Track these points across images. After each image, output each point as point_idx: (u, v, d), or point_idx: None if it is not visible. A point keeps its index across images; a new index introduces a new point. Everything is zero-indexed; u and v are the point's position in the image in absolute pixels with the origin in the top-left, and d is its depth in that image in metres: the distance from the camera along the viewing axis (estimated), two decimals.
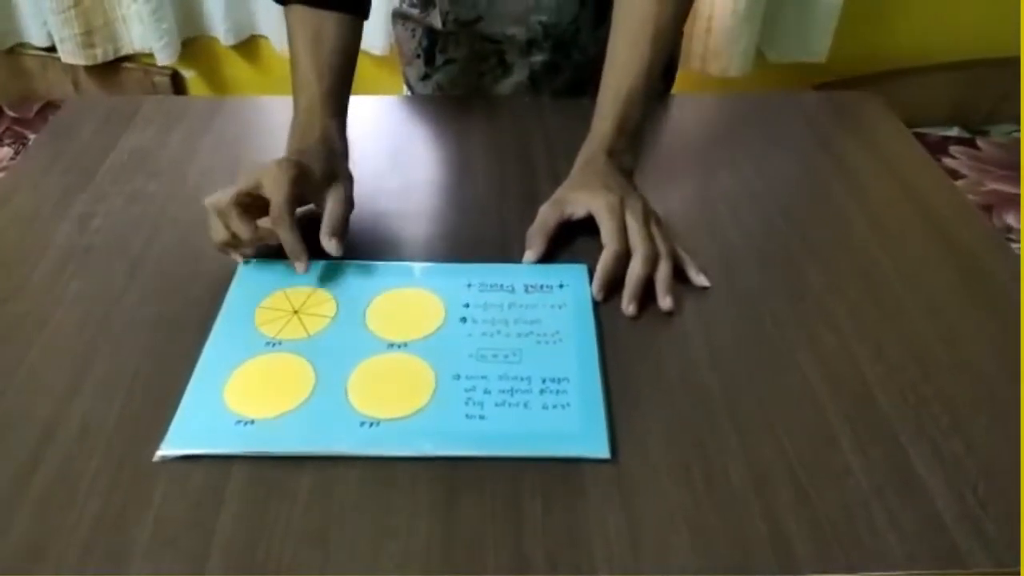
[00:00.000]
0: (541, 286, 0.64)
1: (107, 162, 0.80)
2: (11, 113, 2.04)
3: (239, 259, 0.66)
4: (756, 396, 0.57)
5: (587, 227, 0.69)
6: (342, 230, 0.64)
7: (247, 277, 0.65)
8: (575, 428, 0.53)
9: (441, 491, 0.50)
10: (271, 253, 0.66)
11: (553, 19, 0.89)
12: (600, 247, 0.65)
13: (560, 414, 0.54)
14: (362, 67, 0.79)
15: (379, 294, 0.63)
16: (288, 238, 0.61)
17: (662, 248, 0.65)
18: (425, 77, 0.98)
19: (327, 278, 0.65)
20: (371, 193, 0.76)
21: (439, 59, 0.95)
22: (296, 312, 0.61)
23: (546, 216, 0.68)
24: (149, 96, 0.93)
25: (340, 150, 0.71)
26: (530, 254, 0.67)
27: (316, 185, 0.65)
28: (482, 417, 0.54)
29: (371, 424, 0.53)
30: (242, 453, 0.51)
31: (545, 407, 0.55)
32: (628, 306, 0.62)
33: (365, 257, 0.67)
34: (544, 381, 0.57)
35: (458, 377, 0.57)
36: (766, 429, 0.54)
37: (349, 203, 0.67)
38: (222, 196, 0.61)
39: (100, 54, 1.89)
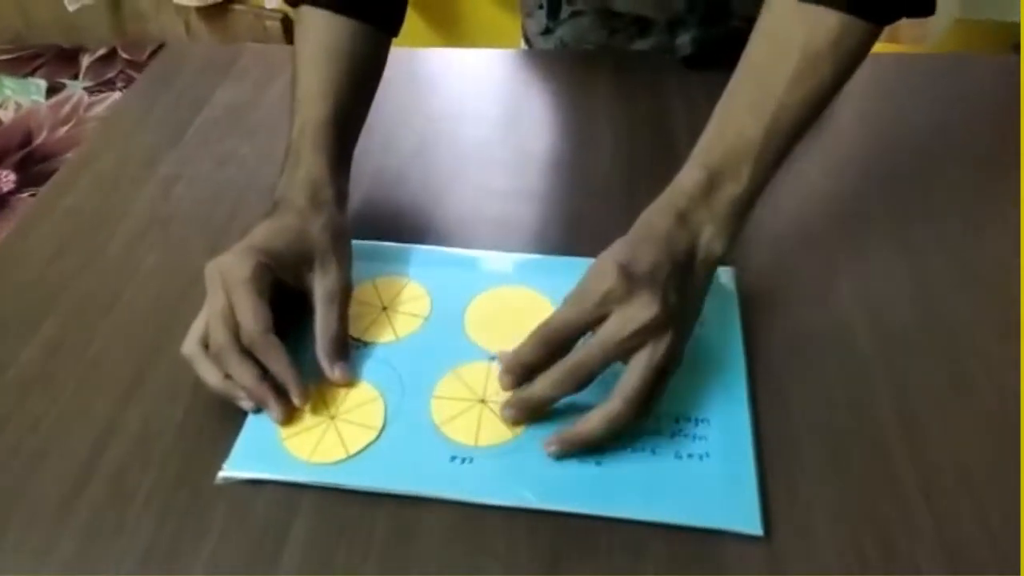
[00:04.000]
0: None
1: (199, 118, 0.74)
2: (124, 55, 2.05)
3: (247, 407, 0.47)
4: (954, 456, 0.44)
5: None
6: (343, 344, 0.49)
7: None
8: (716, 489, 0.42)
9: (543, 549, 0.41)
10: (362, 234, 0.57)
11: None
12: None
13: (697, 467, 0.43)
14: (478, 8, 0.67)
15: (481, 292, 0.54)
16: (279, 369, 0.46)
17: (615, 396, 0.42)
18: (547, 31, 0.85)
19: (422, 268, 0.55)
20: (477, 165, 0.67)
21: (565, 11, 0.83)
22: (385, 308, 0.53)
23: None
24: (249, 44, 0.85)
25: (328, 198, 0.52)
26: (501, 377, 0.45)
27: (293, 272, 0.49)
28: (598, 463, 0.44)
29: (463, 460, 0.44)
30: (312, 483, 0.44)
31: (678, 456, 0.44)
32: (550, 447, 0.44)
33: (466, 243, 0.58)
34: (677, 421, 0.46)
35: (570, 406, 0.46)
36: (967, 500, 0.41)
37: (345, 292, 0.50)
38: (207, 336, 0.47)
39: None
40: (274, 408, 0.46)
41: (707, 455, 0.44)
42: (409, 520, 0.42)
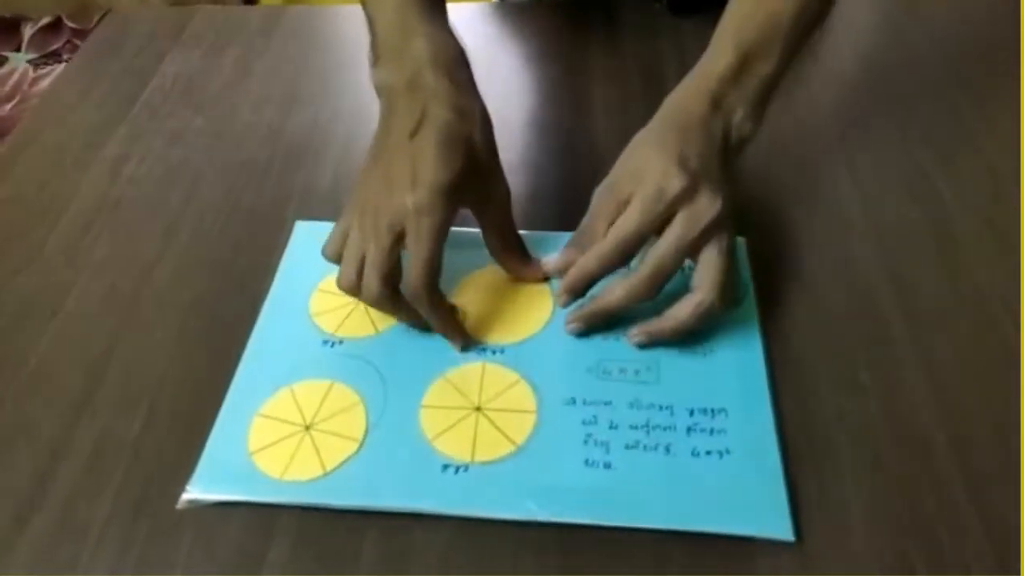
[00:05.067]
0: (683, 269, 0.46)
1: (147, 90, 0.67)
2: (70, 24, 1.92)
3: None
4: (998, 441, 0.40)
5: (741, 188, 0.52)
6: (525, 251, 0.47)
7: (302, 247, 0.51)
8: (740, 490, 0.38)
9: (552, 567, 0.37)
10: (330, 214, 0.52)
11: None
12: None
13: (717, 466, 0.39)
14: None
15: (467, 276, 0.48)
16: (438, 315, 0.43)
17: (700, 289, 0.42)
18: None
19: None
20: None
21: None
22: None
23: (597, 208, 0.43)
24: (201, 6, 0.77)
25: (465, 70, 0.46)
26: (561, 293, 0.44)
27: (483, 171, 0.44)
28: (607, 465, 0.39)
29: (456, 469, 0.39)
30: (289, 503, 0.39)
31: (695, 453, 0.39)
32: (634, 337, 0.44)
33: None
34: (692, 413, 0.41)
35: (572, 402, 0.42)
36: (1015, 491, 0.37)
37: (509, 198, 0.46)
38: (374, 280, 0.42)
39: None
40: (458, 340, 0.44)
41: (727, 451, 0.39)
42: (400, 540, 0.38)
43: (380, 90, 0.45)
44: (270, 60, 0.70)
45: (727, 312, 0.43)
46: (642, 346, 0.44)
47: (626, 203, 0.42)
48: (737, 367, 0.43)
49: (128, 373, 0.45)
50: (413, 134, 0.42)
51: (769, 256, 0.49)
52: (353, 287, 0.43)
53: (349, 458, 0.40)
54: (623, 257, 0.42)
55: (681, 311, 0.42)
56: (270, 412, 0.42)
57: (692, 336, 0.43)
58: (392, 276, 0.42)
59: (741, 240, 0.49)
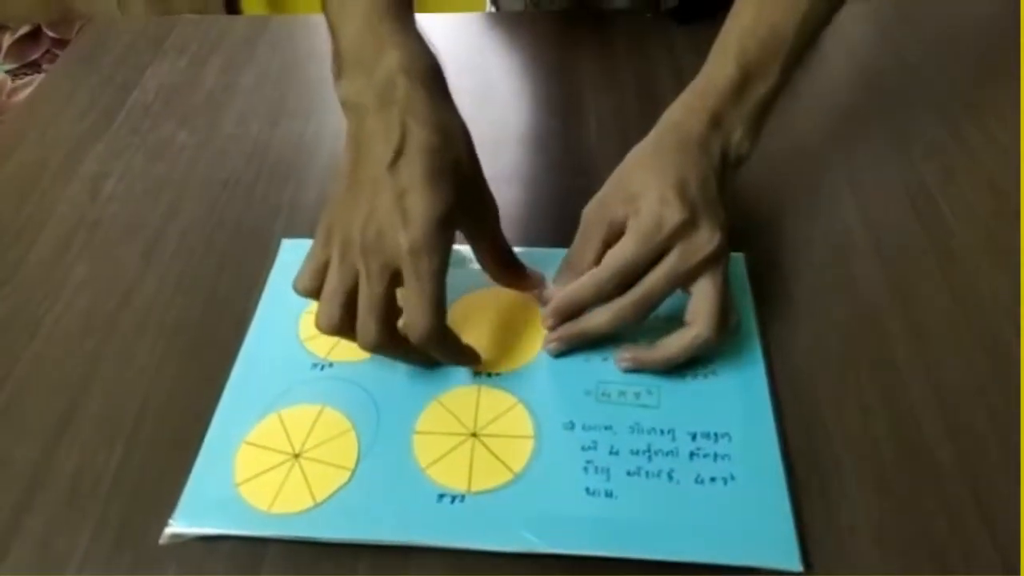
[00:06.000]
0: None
1: (128, 103, 0.65)
2: (50, 33, 1.88)
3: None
4: (1009, 460, 0.39)
5: (740, 201, 0.51)
6: (519, 263, 0.45)
7: (289, 266, 0.48)
8: (746, 519, 0.37)
9: None
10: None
11: None
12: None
13: (722, 493, 0.38)
14: None
15: (460, 297, 0.47)
16: (450, 352, 0.41)
17: (696, 323, 0.41)
18: None
19: None
20: None
21: None
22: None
23: (588, 228, 0.42)
24: (184, 16, 0.76)
25: (440, 78, 0.42)
26: (548, 316, 0.43)
27: (472, 192, 0.41)
28: (608, 494, 0.38)
29: (452, 499, 0.38)
30: (276, 537, 0.37)
31: (699, 480, 0.38)
32: (622, 362, 0.43)
33: None
34: (695, 437, 0.40)
35: (571, 427, 0.40)
36: None
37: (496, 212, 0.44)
38: (375, 331, 0.39)
39: None
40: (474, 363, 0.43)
41: (732, 477, 0.38)
42: (393, 574, 0.36)
43: (347, 106, 0.41)
44: (255, 71, 0.68)
45: (723, 340, 0.42)
46: (628, 372, 0.43)
47: (620, 224, 0.41)
48: (740, 389, 0.42)
49: (108, 399, 0.44)
50: (393, 162, 0.38)
51: (770, 275, 0.48)
52: (336, 327, 0.39)
53: (340, 488, 0.38)
54: (618, 288, 0.41)
55: (674, 344, 0.41)
56: (257, 440, 0.40)
57: (693, 358, 0.42)
58: (392, 319, 0.39)
59: (739, 255, 0.48)
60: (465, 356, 0.42)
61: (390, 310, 0.39)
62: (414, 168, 0.38)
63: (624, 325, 0.41)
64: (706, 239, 0.40)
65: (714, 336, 0.40)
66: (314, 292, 0.40)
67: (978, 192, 0.53)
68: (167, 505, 0.38)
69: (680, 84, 0.48)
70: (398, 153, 0.38)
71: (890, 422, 0.41)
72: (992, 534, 0.36)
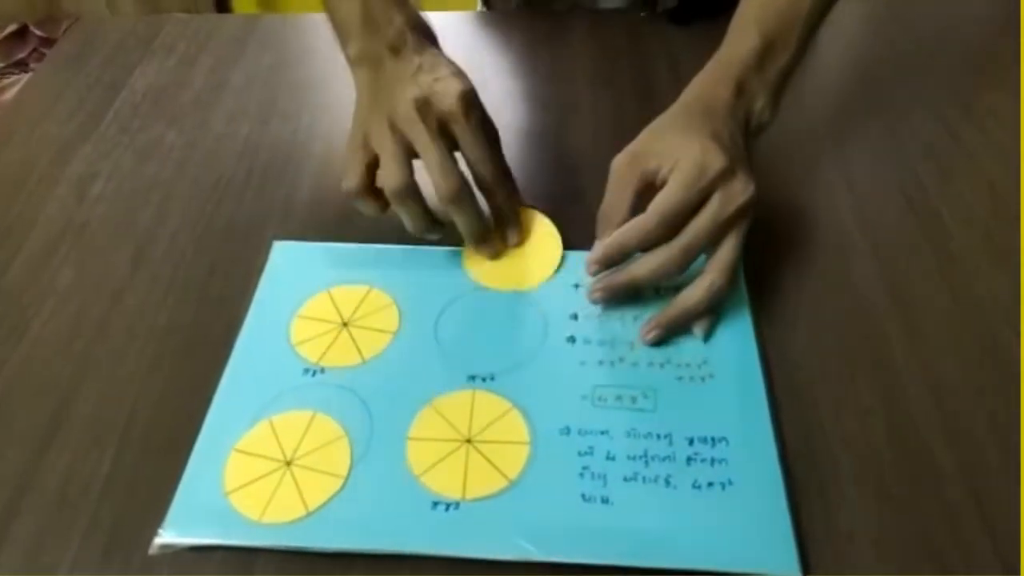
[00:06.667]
0: (678, 287, 0.45)
1: (116, 104, 0.64)
2: (38, 32, 1.85)
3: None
4: (1008, 464, 0.38)
5: None
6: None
7: (280, 269, 0.49)
8: (744, 525, 0.36)
9: None
10: (313, 234, 0.50)
11: None
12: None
13: (719, 499, 0.37)
14: None
15: (453, 304, 0.46)
16: (471, 216, 0.46)
17: (712, 270, 0.42)
18: None
19: (385, 272, 0.48)
20: None
21: None
22: (346, 324, 0.45)
23: (621, 179, 0.43)
24: (173, 15, 0.75)
25: (438, 44, 0.49)
26: (593, 262, 0.43)
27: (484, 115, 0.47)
28: (605, 500, 0.37)
29: (447, 507, 0.37)
30: (268, 547, 0.37)
31: (697, 485, 0.38)
32: (649, 334, 0.43)
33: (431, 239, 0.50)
34: (692, 442, 0.39)
35: (567, 432, 0.40)
36: None
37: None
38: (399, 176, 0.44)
39: None
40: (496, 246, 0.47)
41: (729, 482, 0.38)
42: None
43: (362, 60, 0.46)
44: (245, 70, 0.67)
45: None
46: (657, 342, 0.43)
47: (652, 175, 0.42)
48: (737, 393, 0.41)
49: (97, 405, 0.43)
50: (416, 71, 0.44)
51: (768, 277, 0.48)
52: (403, 185, 0.43)
53: (333, 496, 0.37)
54: (667, 233, 0.41)
55: (694, 294, 0.42)
56: (248, 447, 0.40)
57: (689, 361, 0.42)
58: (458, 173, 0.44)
59: None
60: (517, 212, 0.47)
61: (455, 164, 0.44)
62: (438, 62, 0.45)
63: (668, 274, 0.42)
64: (743, 186, 0.41)
65: (726, 283, 0.42)
66: (364, 188, 0.45)
67: (976, 193, 0.53)
68: (157, 511, 0.38)
69: (676, 83, 0.47)
70: (418, 68, 0.44)
71: (888, 424, 0.40)
72: (991, 536, 0.36)
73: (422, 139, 0.43)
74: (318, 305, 0.46)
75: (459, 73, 0.45)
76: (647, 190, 0.42)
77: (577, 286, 0.46)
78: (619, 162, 0.44)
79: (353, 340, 0.44)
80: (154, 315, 0.47)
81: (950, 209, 0.52)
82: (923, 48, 0.67)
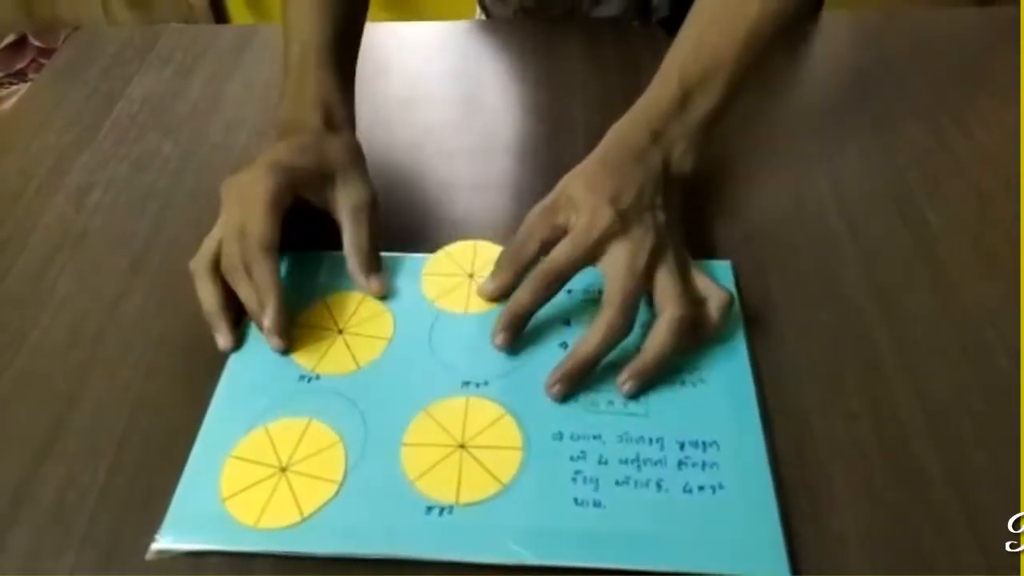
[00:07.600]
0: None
1: (113, 114, 0.65)
2: (36, 43, 1.87)
3: (222, 343, 0.45)
4: (995, 467, 0.39)
5: (727, 210, 0.51)
6: (375, 257, 0.48)
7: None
8: (734, 528, 0.37)
9: None
10: (305, 243, 0.50)
11: None
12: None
13: (710, 502, 0.38)
14: None
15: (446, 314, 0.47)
16: (263, 285, 0.44)
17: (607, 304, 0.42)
18: None
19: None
20: (436, 155, 0.60)
21: None
22: (342, 332, 0.46)
23: (531, 229, 0.44)
24: (170, 25, 0.76)
25: (342, 120, 0.51)
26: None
27: (316, 189, 0.48)
28: (597, 504, 0.38)
29: (440, 511, 0.38)
30: (264, 552, 0.37)
31: (688, 489, 0.38)
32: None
33: (428, 245, 0.51)
34: (683, 446, 0.40)
35: (560, 437, 0.40)
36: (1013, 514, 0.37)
37: (371, 206, 0.49)
38: (216, 255, 0.46)
39: None
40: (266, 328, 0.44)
41: (720, 486, 0.38)
42: None
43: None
44: (242, 81, 0.68)
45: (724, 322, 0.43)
46: (634, 394, 0.41)
47: (561, 228, 0.44)
48: (728, 398, 0.42)
49: (94, 414, 0.43)
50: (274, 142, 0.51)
51: (757, 283, 0.48)
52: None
53: (328, 502, 0.38)
54: (554, 286, 0.43)
55: (657, 336, 0.41)
56: (243, 454, 0.40)
57: (680, 366, 0.42)
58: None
59: (726, 263, 0.49)
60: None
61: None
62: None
63: (616, 336, 0.41)
64: (641, 235, 0.42)
65: (687, 312, 0.41)
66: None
67: (964, 200, 0.54)
68: (154, 520, 0.38)
69: None
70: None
71: (877, 429, 0.41)
72: (979, 540, 0.36)
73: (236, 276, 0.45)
74: (314, 314, 0.47)
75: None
76: (554, 242, 0.43)
77: (570, 291, 0.47)
78: (532, 214, 0.45)
79: (348, 347, 0.45)
80: (150, 325, 0.48)
81: (939, 216, 0.52)
82: (913, 56, 0.68)
